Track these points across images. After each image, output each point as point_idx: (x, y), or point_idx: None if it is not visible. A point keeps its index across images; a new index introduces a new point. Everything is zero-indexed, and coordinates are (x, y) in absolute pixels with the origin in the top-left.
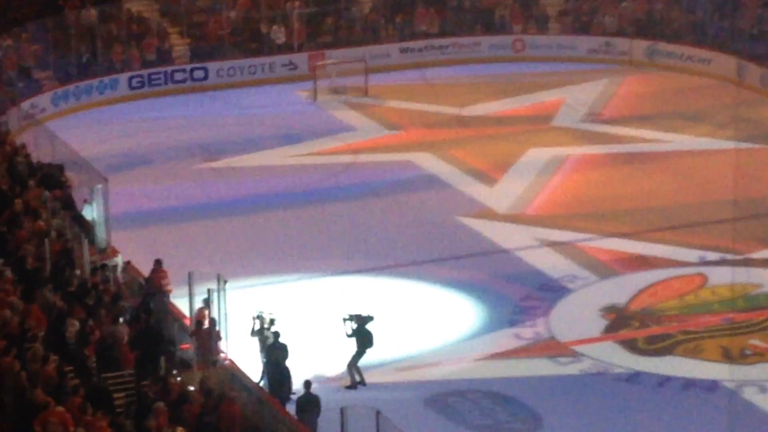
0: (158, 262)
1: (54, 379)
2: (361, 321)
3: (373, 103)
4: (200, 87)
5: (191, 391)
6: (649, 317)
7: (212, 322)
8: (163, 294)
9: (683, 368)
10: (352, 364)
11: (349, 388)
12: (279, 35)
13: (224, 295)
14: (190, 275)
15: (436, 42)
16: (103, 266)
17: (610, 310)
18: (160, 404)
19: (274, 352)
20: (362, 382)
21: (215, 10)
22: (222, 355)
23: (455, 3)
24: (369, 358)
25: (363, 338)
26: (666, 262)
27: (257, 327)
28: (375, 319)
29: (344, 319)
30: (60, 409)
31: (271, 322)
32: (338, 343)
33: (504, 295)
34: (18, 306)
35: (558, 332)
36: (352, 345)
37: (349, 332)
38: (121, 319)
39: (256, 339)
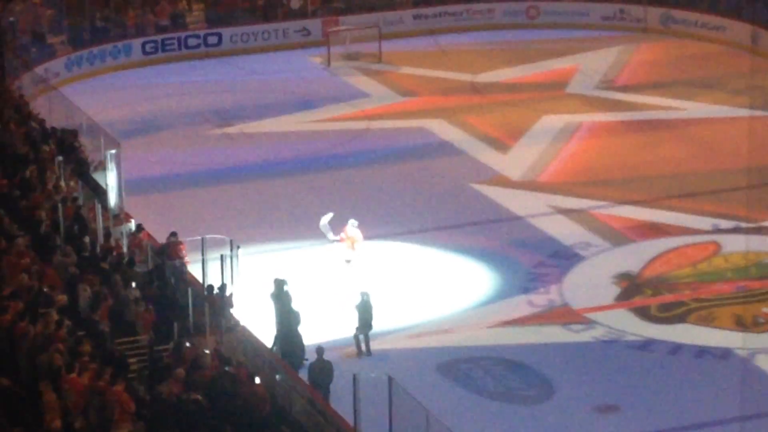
0: (174, 234)
1: (68, 344)
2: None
3: (386, 69)
4: (214, 52)
5: (204, 356)
6: (662, 285)
7: (224, 287)
8: (180, 264)
9: (696, 336)
10: (357, 335)
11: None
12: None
13: (237, 261)
14: (203, 241)
15: (450, 8)
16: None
17: (623, 277)
18: (180, 371)
19: (287, 318)
20: (367, 352)
21: None
22: (235, 321)
23: None
24: (383, 324)
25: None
26: (679, 229)
27: (275, 291)
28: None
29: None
30: (73, 375)
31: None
32: (350, 310)
33: (517, 262)
34: (36, 271)
35: (571, 299)
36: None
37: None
38: (133, 284)
39: (272, 304)
